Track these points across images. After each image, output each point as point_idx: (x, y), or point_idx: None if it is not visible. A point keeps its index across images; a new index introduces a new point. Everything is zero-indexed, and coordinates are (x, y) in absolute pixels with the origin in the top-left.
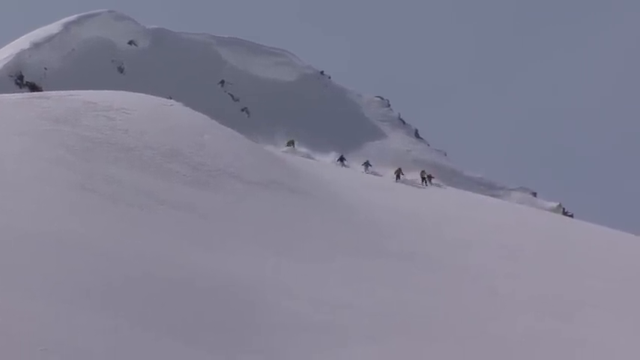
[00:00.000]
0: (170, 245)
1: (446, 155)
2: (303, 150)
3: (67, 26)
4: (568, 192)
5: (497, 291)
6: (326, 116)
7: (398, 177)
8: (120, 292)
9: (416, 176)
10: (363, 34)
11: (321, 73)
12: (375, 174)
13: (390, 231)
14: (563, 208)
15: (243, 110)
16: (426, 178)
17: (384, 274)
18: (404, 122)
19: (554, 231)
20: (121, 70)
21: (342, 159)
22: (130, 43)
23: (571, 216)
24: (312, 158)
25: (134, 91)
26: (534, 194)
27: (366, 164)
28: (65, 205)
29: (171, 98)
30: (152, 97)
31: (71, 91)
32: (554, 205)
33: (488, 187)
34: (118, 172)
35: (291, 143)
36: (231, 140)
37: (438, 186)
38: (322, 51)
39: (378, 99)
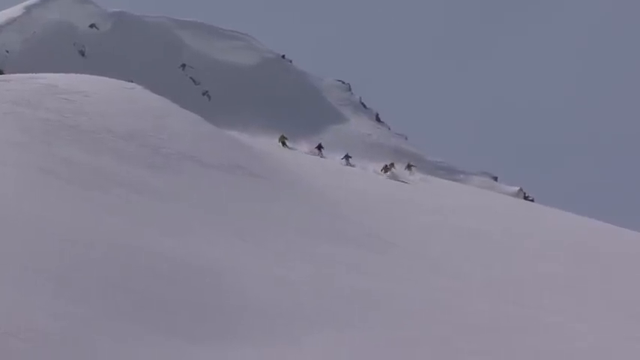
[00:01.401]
0: (129, 228)
1: (407, 139)
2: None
3: (28, 9)
4: (529, 176)
5: (459, 276)
6: (287, 100)
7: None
8: (78, 275)
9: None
10: (324, 17)
11: (282, 57)
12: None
13: (351, 215)
14: (524, 193)
15: (204, 94)
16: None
17: (347, 259)
18: (365, 106)
19: (515, 215)
20: (82, 53)
21: (319, 147)
22: (92, 26)
23: (532, 200)
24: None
25: (95, 74)
26: (495, 179)
27: (346, 157)
28: (24, 187)
29: (132, 81)
30: (113, 80)
31: (32, 74)
32: (515, 189)
33: (449, 172)
34: (78, 154)
35: (283, 139)
36: (192, 124)
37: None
38: (283, 35)
39: (339, 83)
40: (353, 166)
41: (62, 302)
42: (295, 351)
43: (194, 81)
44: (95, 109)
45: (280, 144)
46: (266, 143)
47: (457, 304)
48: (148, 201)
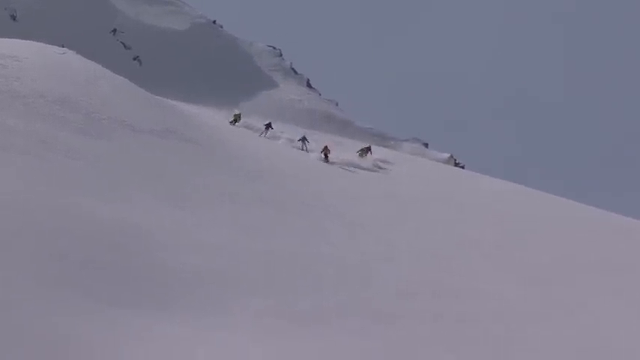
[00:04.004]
0: (61, 193)
1: (337, 105)
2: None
3: None
4: (459, 143)
5: (391, 242)
6: (218, 66)
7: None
8: (11, 239)
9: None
10: None
11: (213, 22)
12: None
13: (280, 181)
14: (455, 159)
15: (135, 59)
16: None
17: (276, 224)
18: (295, 72)
19: (446, 182)
20: (13, 17)
21: (268, 126)
22: None
23: (462, 167)
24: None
25: (26, 39)
26: (426, 145)
27: (303, 139)
28: None
29: (63, 46)
30: (45, 45)
31: None
32: (446, 156)
33: (380, 138)
34: (9, 119)
35: (237, 117)
36: (124, 89)
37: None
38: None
39: (270, 48)
40: (306, 150)
41: None
42: (230, 317)
43: (125, 46)
44: (27, 74)
45: (233, 121)
46: (197, 108)
47: (386, 269)
48: (81, 166)
